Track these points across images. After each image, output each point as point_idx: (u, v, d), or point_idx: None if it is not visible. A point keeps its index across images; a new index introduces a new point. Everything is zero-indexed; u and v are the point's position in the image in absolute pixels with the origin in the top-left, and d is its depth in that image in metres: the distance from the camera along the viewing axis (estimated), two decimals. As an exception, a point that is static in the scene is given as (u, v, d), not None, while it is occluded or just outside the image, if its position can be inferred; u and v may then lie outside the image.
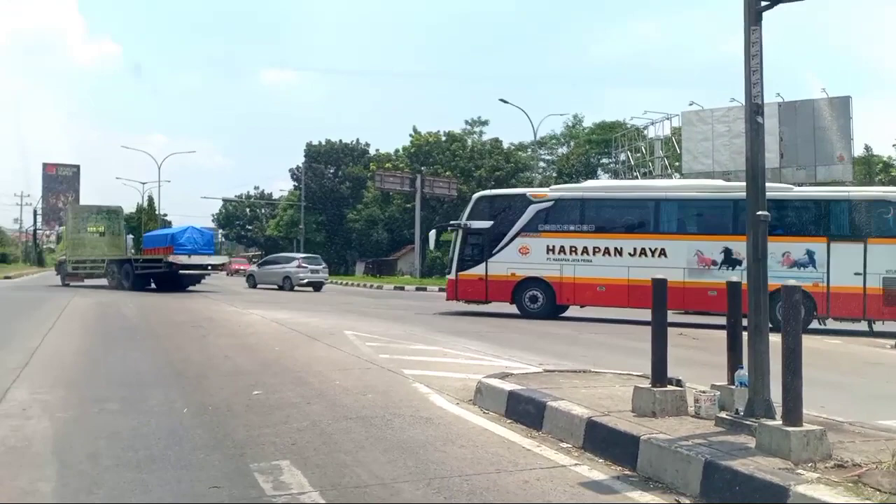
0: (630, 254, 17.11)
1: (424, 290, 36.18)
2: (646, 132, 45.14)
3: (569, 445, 5.16)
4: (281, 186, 79.45)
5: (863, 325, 15.79)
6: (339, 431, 5.47)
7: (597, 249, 17.42)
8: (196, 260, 28.18)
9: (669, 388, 5.36)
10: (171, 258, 27.76)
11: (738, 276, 16.51)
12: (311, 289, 32.01)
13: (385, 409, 6.24)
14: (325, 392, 7.05)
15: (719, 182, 20.63)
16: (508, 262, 18.06)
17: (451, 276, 19.11)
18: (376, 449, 5.00)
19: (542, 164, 61.70)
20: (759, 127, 4.87)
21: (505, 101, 39.08)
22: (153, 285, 28.40)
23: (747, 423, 4.65)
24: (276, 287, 32.04)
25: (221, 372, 8.40)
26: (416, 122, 69.69)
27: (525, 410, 5.90)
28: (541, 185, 50.93)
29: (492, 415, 6.16)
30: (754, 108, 4.84)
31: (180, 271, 27.95)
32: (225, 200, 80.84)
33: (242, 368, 8.64)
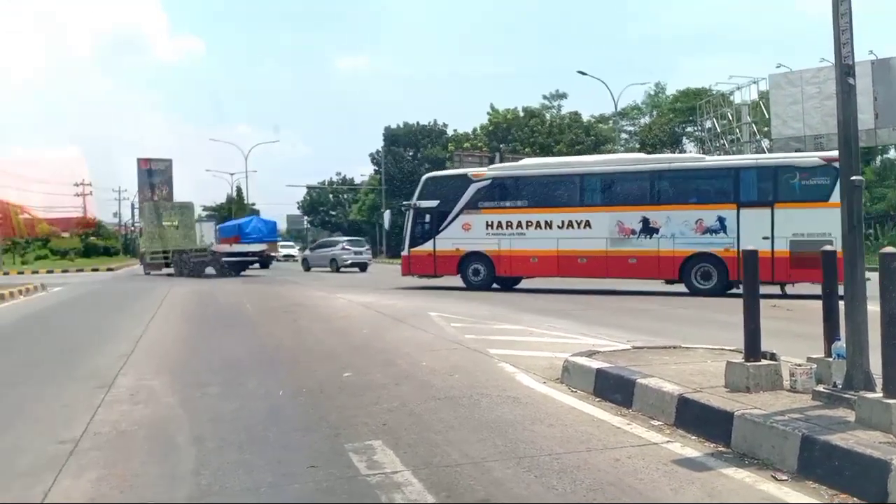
0: (559, 226, 18.21)
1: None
2: (732, 98, 43.61)
3: (660, 423, 5.11)
4: (362, 171, 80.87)
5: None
6: (428, 412, 5.58)
7: (529, 223, 18.62)
8: (237, 248, 31.82)
9: (763, 362, 5.23)
10: (215, 248, 31.83)
11: (655, 244, 16.77)
12: (357, 269, 34.56)
13: (472, 390, 6.32)
14: (413, 373, 7.19)
15: (639, 155, 21.85)
16: (453, 238, 19.42)
17: (405, 253, 20.70)
18: (465, 428, 5.08)
19: (623, 135, 60.48)
20: (850, 88, 4.66)
21: (583, 73, 38.46)
22: (210, 271, 31.32)
23: (846, 396, 4.50)
24: (327, 269, 34.58)
25: (313, 355, 8.66)
26: (493, 100, 69.46)
27: (614, 388, 5.86)
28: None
29: (580, 393, 6.15)
30: (845, 70, 4.64)
31: (223, 258, 31.40)
32: (309, 187, 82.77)
33: (333, 351, 8.87)
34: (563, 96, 63.52)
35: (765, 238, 15.64)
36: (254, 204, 73.58)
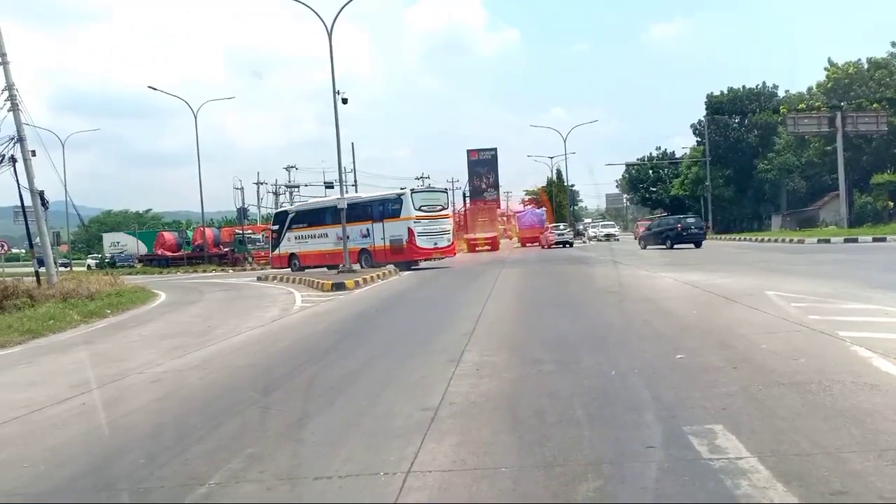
0: (318, 237, 30.90)
1: (855, 241, 32.09)
2: None
3: None
4: (682, 143, 77.67)
5: None
6: (772, 397, 5.29)
7: (307, 236, 31.58)
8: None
9: None
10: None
11: (350, 244, 27.04)
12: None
13: (821, 375, 5.85)
14: (750, 356, 6.85)
15: (350, 195, 34.43)
16: (286, 246, 32.60)
17: (272, 255, 34.69)
18: (815, 416, 4.74)
19: None
20: None
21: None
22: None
23: None
24: None
25: (641, 335, 8.66)
26: (829, 54, 62.14)
27: None
28: None
29: (955, 382, 5.38)
30: None
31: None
32: (627, 165, 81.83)
33: (661, 332, 8.78)
34: (917, 41, 54.45)
35: (381, 238, 28.35)
36: (573, 185, 74.72)
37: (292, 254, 31.96)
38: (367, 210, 29.14)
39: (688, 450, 4.23)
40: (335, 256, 28.40)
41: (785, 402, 5.12)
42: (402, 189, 29.92)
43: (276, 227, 33.92)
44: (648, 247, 36.17)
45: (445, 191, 32.30)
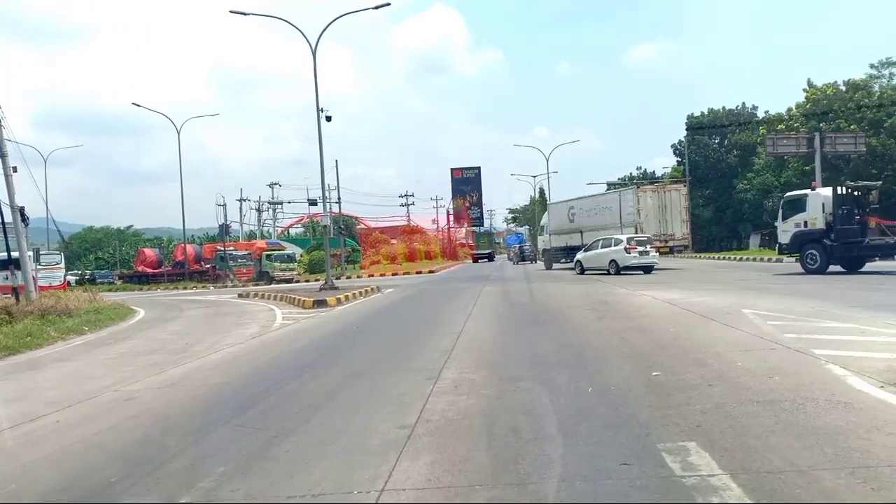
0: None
1: (833, 260, 32.31)
2: None
3: None
4: (663, 163, 78.34)
5: None
6: (746, 415, 5.33)
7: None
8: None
9: None
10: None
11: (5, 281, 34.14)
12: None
13: (795, 393, 5.90)
14: (726, 374, 6.90)
15: None
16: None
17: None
18: (788, 434, 4.78)
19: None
20: None
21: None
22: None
23: None
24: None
25: (619, 353, 8.68)
26: (809, 75, 63.11)
27: (970, 396, 5.39)
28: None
29: (927, 400, 5.44)
30: None
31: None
32: (609, 185, 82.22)
33: (639, 350, 8.81)
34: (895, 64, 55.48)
35: (22, 279, 34.21)
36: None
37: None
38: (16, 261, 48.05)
39: (661, 467, 4.25)
40: (4, 289, 45.02)
41: (758, 420, 5.16)
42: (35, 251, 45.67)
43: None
44: (510, 262, 54.83)
45: (60, 252, 49.22)
